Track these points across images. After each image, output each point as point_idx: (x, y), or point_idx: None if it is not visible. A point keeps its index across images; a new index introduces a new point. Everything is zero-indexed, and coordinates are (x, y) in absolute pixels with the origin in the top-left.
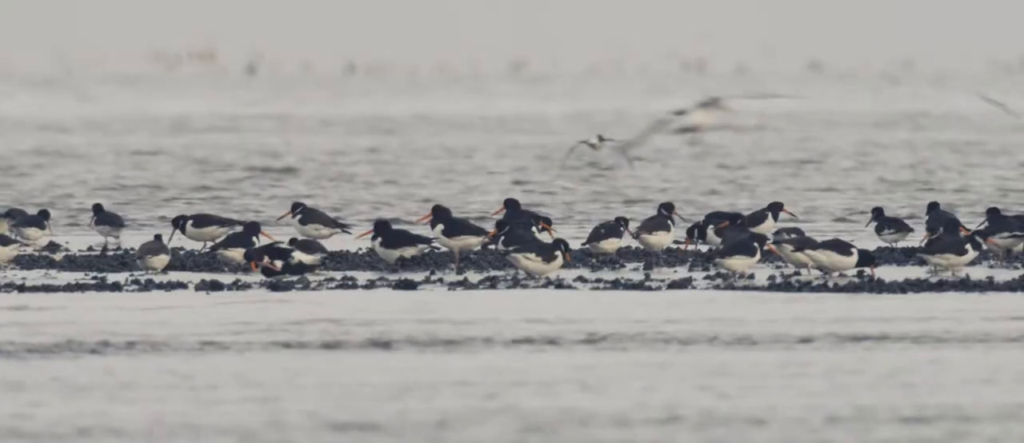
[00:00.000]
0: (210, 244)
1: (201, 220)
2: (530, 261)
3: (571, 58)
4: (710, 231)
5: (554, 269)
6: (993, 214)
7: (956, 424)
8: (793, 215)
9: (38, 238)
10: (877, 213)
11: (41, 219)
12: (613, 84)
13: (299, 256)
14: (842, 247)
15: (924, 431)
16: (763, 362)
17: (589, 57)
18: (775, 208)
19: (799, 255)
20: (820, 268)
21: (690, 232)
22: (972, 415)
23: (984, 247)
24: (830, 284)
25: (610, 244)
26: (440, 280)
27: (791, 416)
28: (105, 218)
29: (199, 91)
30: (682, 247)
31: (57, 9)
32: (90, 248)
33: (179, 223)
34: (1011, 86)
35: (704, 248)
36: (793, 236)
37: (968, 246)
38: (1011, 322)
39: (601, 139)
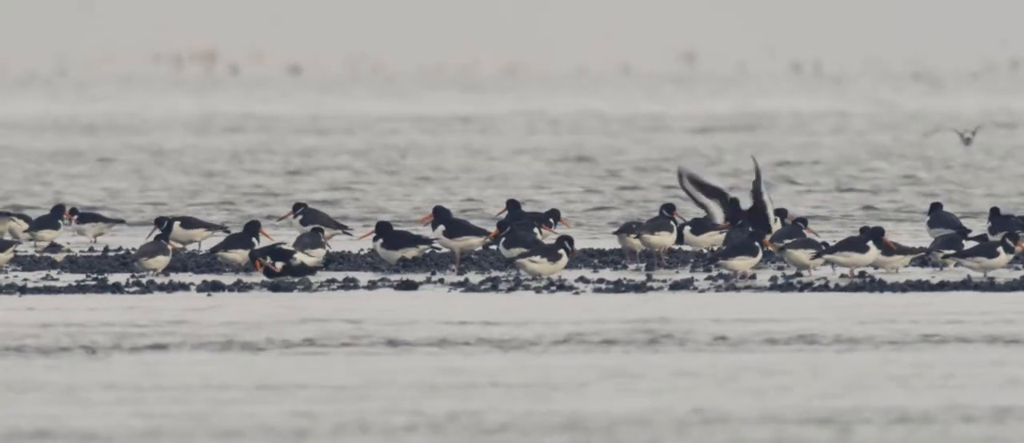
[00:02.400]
0: (194, 246)
1: (188, 222)
2: (536, 264)
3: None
4: (687, 232)
5: (560, 269)
6: (995, 214)
7: (951, 425)
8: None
9: (52, 238)
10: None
11: (55, 217)
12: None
13: (301, 257)
14: (858, 244)
15: (927, 431)
16: (764, 363)
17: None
18: (781, 213)
19: (818, 260)
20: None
21: None
22: (979, 415)
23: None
24: (832, 284)
25: (661, 238)
26: (441, 281)
27: (792, 417)
28: (84, 217)
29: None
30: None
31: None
32: (91, 249)
33: (163, 224)
34: None
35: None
36: (791, 240)
37: (1000, 248)
38: (1013, 323)
39: (973, 133)
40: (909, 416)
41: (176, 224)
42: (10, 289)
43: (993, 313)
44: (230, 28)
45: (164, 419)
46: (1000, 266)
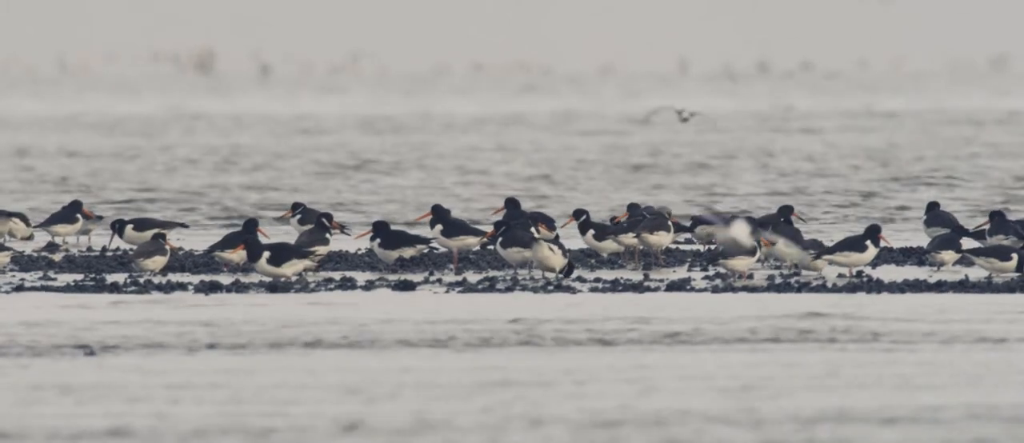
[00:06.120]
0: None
1: (141, 223)
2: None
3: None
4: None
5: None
6: (997, 217)
7: (963, 425)
8: (801, 218)
9: (68, 233)
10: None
11: (71, 212)
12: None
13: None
14: (857, 244)
15: (920, 431)
16: (762, 362)
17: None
18: (786, 211)
19: (818, 261)
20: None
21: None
22: (985, 416)
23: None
24: (829, 284)
25: (658, 237)
26: (439, 281)
27: (790, 417)
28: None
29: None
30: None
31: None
32: (89, 249)
33: (116, 227)
34: None
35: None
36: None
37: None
38: (1013, 323)
39: (692, 114)
40: (911, 416)
41: (128, 226)
42: (7, 289)
43: (999, 313)
44: (228, 28)
45: (158, 419)
46: (1010, 270)
